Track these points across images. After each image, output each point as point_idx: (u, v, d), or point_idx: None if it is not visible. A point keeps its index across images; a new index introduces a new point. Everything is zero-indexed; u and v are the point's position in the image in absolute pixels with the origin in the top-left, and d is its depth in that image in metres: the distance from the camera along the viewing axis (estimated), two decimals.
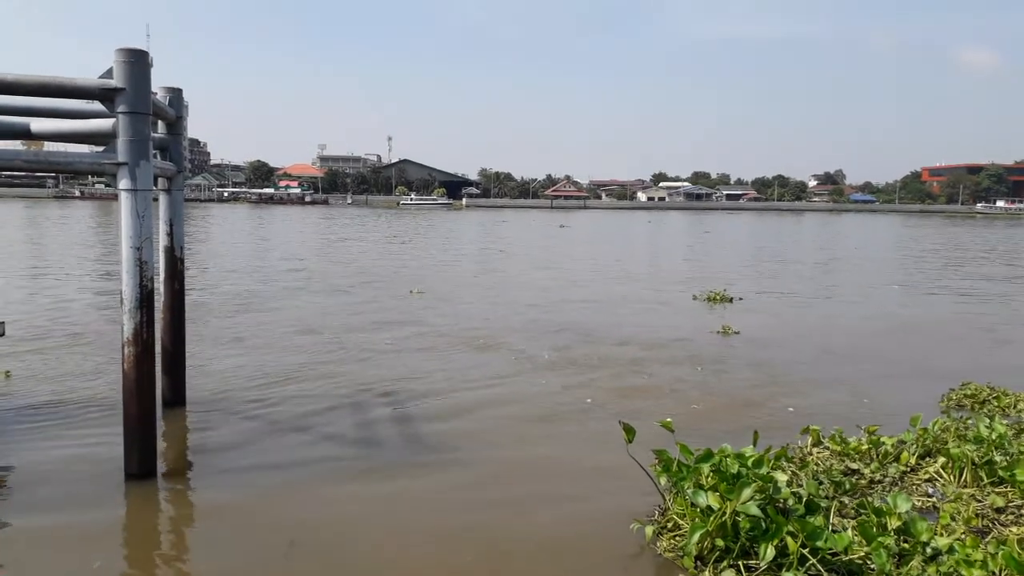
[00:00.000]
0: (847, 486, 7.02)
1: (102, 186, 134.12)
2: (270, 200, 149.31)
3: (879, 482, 7.41)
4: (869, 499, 6.57)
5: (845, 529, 5.78)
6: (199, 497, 7.44)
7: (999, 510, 6.58)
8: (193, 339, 13.07)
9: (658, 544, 6.18)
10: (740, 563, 5.46)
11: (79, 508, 6.98)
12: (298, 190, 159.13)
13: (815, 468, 7.50)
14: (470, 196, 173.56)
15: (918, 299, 23.82)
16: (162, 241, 9.65)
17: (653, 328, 16.99)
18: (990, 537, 6.01)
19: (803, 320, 19.10)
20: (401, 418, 9.97)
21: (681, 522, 6.19)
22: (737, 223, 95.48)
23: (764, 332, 16.77)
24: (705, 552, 5.67)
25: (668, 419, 7.04)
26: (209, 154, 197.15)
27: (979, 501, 6.77)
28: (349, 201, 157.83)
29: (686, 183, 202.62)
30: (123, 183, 7.24)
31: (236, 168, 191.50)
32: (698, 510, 5.82)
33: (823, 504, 6.19)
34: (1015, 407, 10.40)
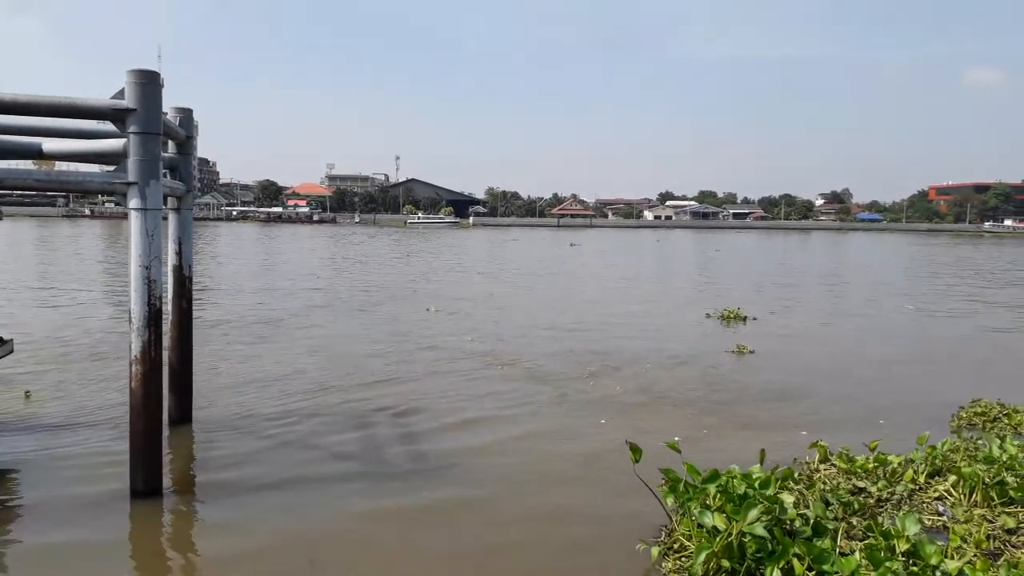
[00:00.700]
0: (855, 506, 6.96)
1: (112, 205, 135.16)
2: (278, 219, 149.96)
3: (887, 500, 7.35)
4: (878, 520, 6.51)
5: (853, 552, 5.73)
6: (203, 515, 7.42)
7: (1010, 531, 6.51)
8: (202, 357, 13.14)
9: (663, 565, 6.15)
10: None
11: (82, 526, 6.99)
12: (306, 209, 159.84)
13: (822, 487, 7.45)
14: (477, 215, 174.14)
15: (932, 319, 23.78)
16: (171, 260, 9.70)
17: (667, 347, 16.98)
18: (1002, 560, 5.93)
19: (818, 340, 19.05)
20: (410, 437, 9.96)
21: (687, 543, 6.15)
22: (745, 242, 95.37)
23: (779, 352, 16.74)
24: (711, 573, 5.62)
25: (675, 439, 7.01)
26: (218, 173, 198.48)
27: (990, 522, 6.70)
28: (357, 220, 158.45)
29: (692, 202, 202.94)
30: (133, 202, 7.30)
31: (245, 187, 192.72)
32: (704, 531, 5.78)
33: (830, 526, 6.14)
34: None
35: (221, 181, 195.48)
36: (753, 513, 5.49)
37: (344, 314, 21.81)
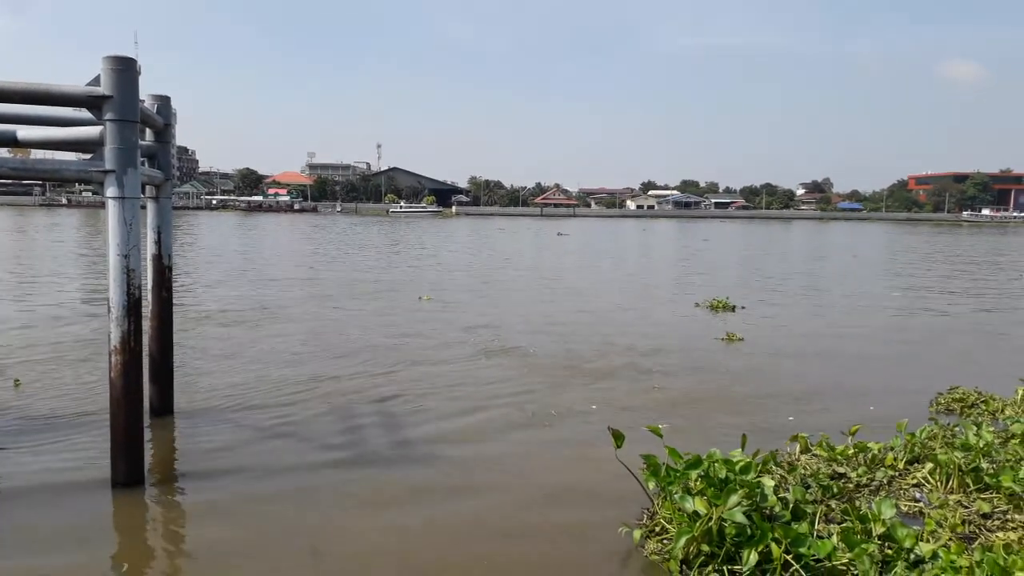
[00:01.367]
0: (835, 490, 7.06)
1: (89, 194, 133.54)
2: (259, 208, 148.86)
3: (866, 486, 7.46)
4: (856, 504, 6.60)
5: (830, 535, 5.81)
6: (185, 506, 7.39)
7: (985, 516, 6.62)
8: (184, 348, 13.06)
9: (646, 547, 6.24)
10: (725, 568, 5.49)
11: (62, 517, 6.94)
12: (287, 198, 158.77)
13: (803, 473, 7.54)
14: (460, 204, 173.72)
15: (918, 305, 24.10)
16: (150, 249, 9.61)
17: (657, 335, 17.07)
18: (976, 543, 6.04)
19: (806, 327, 19.20)
20: (397, 425, 9.96)
21: (668, 526, 6.22)
22: (731, 231, 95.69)
23: (767, 340, 16.89)
24: (691, 556, 5.70)
25: (659, 425, 7.07)
26: (197, 162, 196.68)
27: (965, 507, 6.80)
28: (338, 209, 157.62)
29: (675, 191, 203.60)
30: (110, 191, 7.22)
31: (225, 176, 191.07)
32: (685, 515, 5.85)
33: (809, 510, 6.23)
34: (1002, 412, 10.49)
35: (200, 170, 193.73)
36: (733, 499, 5.55)
37: (333, 303, 21.71)
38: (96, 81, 7.15)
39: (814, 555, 5.37)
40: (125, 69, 7.17)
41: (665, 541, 6.12)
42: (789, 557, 5.33)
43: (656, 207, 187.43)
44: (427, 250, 49.01)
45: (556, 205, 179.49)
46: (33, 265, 30.95)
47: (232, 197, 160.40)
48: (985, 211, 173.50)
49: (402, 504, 7.43)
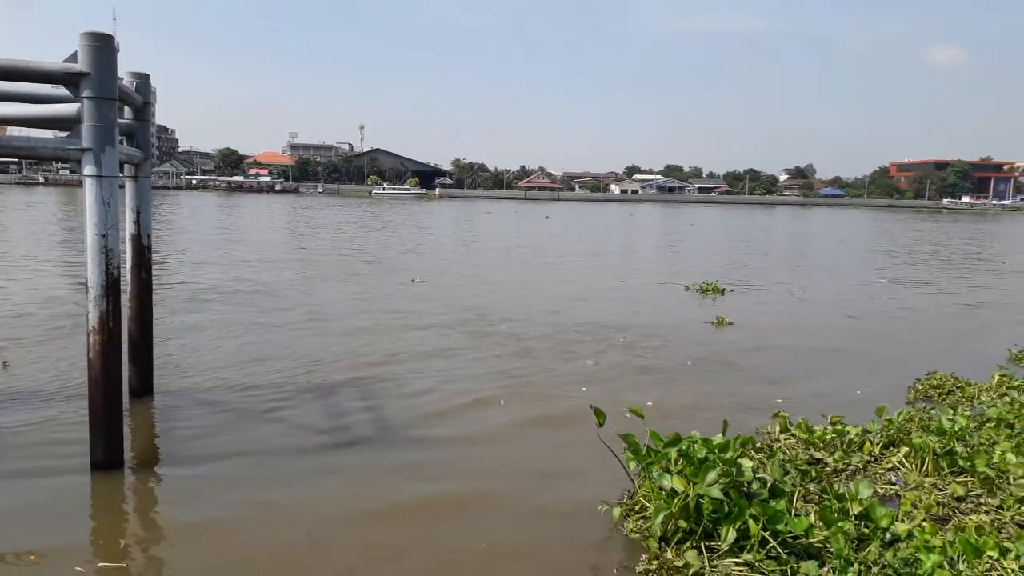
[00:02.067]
0: (812, 474, 7.15)
1: (67, 172, 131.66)
2: (239, 188, 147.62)
3: (843, 470, 7.56)
4: (834, 486, 6.69)
5: (808, 514, 5.89)
6: (165, 487, 7.36)
7: (959, 499, 6.74)
8: (166, 329, 12.96)
9: (625, 525, 6.32)
10: (702, 544, 5.56)
11: (40, 498, 6.90)
12: (268, 178, 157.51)
13: (782, 456, 7.62)
14: (443, 186, 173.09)
15: (905, 290, 24.45)
16: (128, 229, 9.50)
17: (648, 318, 17.17)
18: (950, 525, 6.15)
19: (795, 312, 19.40)
20: (378, 404, 9.97)
21: (648, 504, 6.29)
22: (715, 216, 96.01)
23: (756, 323, 17.03)
24: (669, 533, 5.77)
25: (639, 406, 7.12)
26: (177, 141, 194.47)
27: (940, 490, 6.92)
28: (320, 190, 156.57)
29: (659, 176, 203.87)
30: (88, 169, 7.12)
31: (205, 156, 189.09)
32: (664, 493, 5.91)
33: (787, 490, 6.31)
34: (978, 397, 10.65)
35: (180, 149, 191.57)
36: (711, 476, 5.62)
37: (322, 284, 21.59)
38: (73, 58, 7.03)
39: (791, 532, 5.45)
40: (103, 46, 7.05)
41: (644, 519, 6.19)
42: (766, 534, 5.41)
43: (640, 191, 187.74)
44: (416, 232, 48.83)
45: (540, 188, 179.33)
46: (21, 244, 30.49)
47: (212, 177, 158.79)
48: (965, 198, 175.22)
49: (384, 486, 7.43)
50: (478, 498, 7.24)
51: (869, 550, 5.36)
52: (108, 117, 7.18)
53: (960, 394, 10.93)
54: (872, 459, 7.83)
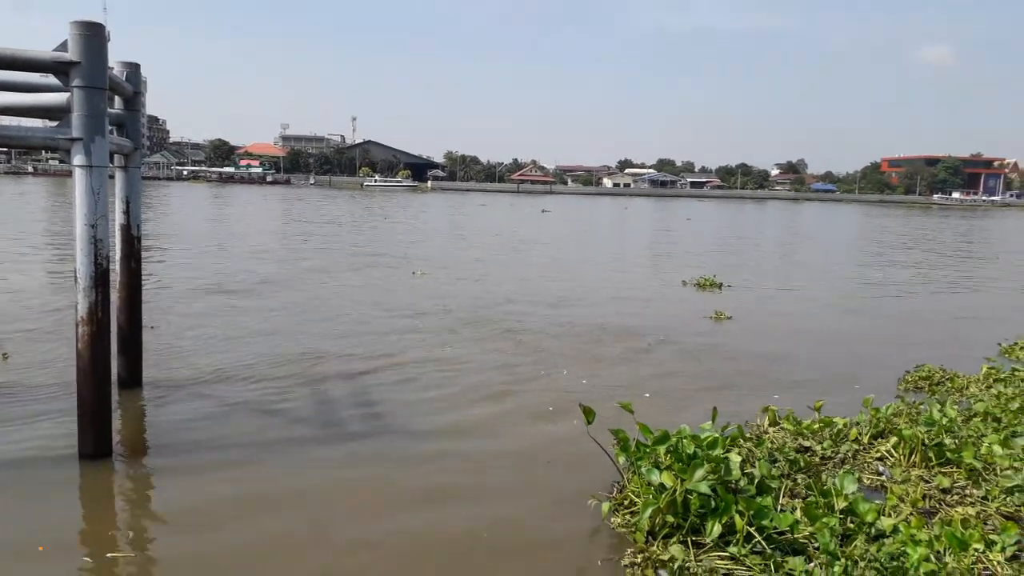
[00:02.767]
0: (801, 463, 7.20)
1: (56, 162, 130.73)
2: (231, 179, 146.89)
3: (831, 459, 7.63)
4: (821, 477, 6.74)
5: (794, 509, 5.93)
6: (153, 478, 7.36)
7: (945, 491, 6.79)
8: (155, 319, 12.90)
9: (613, 520, 6.35)
10: (689, 539, 5.60)
11: (28, 487, 6.89)
12: (259, 170, 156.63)
13: (770, 447, 7.67)
14: (436, 179, 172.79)
15: (901, 285, 24.60)
16: (118, 219, 9.45)
17: (647, 313, 17.21)
18: (936, 518, 6.19)
19: (792, 306, 19.50)
20: (371, 397, 9.97)
21: (636, 499, 6.32)
22: (709, 211, 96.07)
23: (754, 317, 17.11)
24: (656, 528, 5.81)
25: (629, 402, 7.14)
26: (168, 132, 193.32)
27: (927, 482, 6.97)
28: (311, 182, 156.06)
29: (651, 170, 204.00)
30: (77, 159, 7.08)
31: (196, 146, 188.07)
32: (652, 488, 5.95)
33: (774, 484, 6.35)
34: (967, 388, 10.75)
35: (171, 140, 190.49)
36: (699, 473, 5.66)
37: (320, 277, 21.46)
38: (63, 46, 6.98)
39: (776, 527, 5.50)
40: (93, 35, 7.01)
41: (633, 514, 6.22)
42: (752, 529, 5.45)
43: (632, 185, 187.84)
44: (412, 225, 48.71)
45: (533, 182, 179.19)
46: (19, 235, 30.26)
47: (204, 168, 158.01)
48: (955, 194, 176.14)
49: (376, 476, 7.46)
50: (470, 489, 7.27)
51: (855, 545, 5.40)
52: (98, 107, 7.13)
53: (950, 385, 11.05)
54: (861, 448, 7.89)
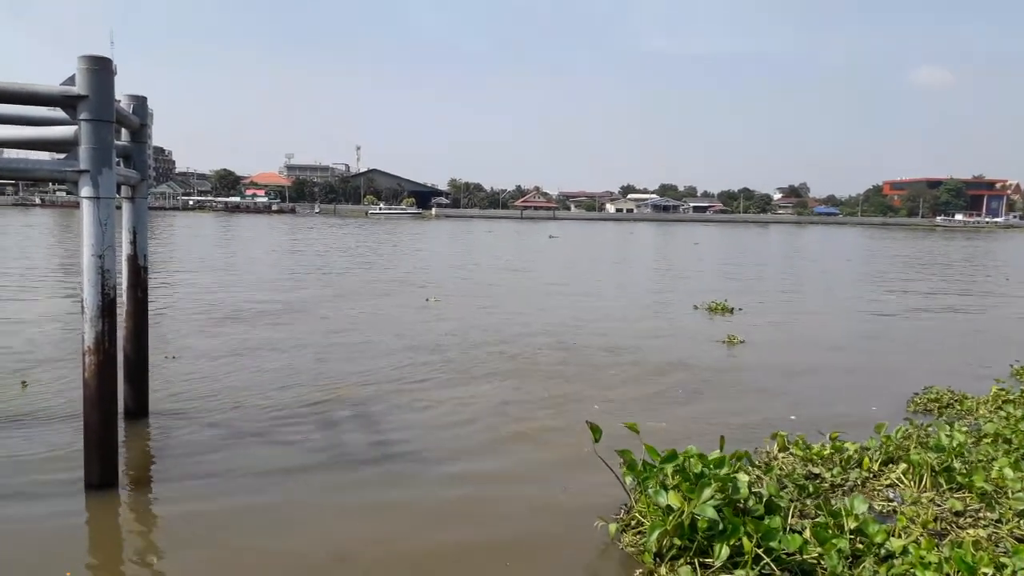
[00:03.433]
0: (810, 489, 7.14)
1: (63, 194, 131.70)
2: (236, 209, 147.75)
3: (840, 486, 7.55)
4: (830, 503, 6.69)
5: (803, 530, 5.89)
6: (159, 508, 7.34)
7: (957, 514, 6.72)
8: (162, 349, 12.92)
9: (621, 540, 6.33)
10: (696, 561, 5.57)
11: (35, 518, 6.88)
12: (265, 199, 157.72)
13: (779, 472, 7.62)
14: (439, 206, 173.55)
15: (911, 308, 24.55)
16: (125, 250, 9.52)
17: (659, 339, 17.18)
18: (947, 540, 6.13)
19: (804, 329, 19.48)
20: (380, 423, 9.99)
21: (644, 520, 6.30)
22: (713, 235, 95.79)
23: (767, 342, 17.05)
24: (664, 549, 5.78)
25: (635, 423, 7.15)
26: (174, 162, 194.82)
27: (938, 505, 6.91)
28: (316, 210, 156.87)
29: (654, 195, 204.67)
30: (85, 191, 7.16)
31: (202, 176, 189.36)
32: (659, 509, 5.93)
33: (783, 506, 6.31)
34: (976, 411, 10.68)
35: (177, 170, 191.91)
36: (707, 492, 5.64)
37: (329, 305, 21.50)
38: (71, 80, 7.09)
39: (785, 549, 5.46)
40: (100, 69, 7.11)
41: (641, 534, 6.20)
42: (760, 551, 5.41)
43: (635, 210, 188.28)
44: (420, 252, 48.86)
45: (536, 208, 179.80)
46: (32, 266, 30.46)
47: (209, 198, 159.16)
48: (958, 216, 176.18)
49: (382, 504, 7.44)
50: (479, 510, 7.29)
51: (864, 566, 5.35)
52: (105, 139, 7.22)
53: (959, 407, 10.99)
54: (871, 475, 7.82)
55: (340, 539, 6.65)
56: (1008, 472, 7.32)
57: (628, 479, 6.61)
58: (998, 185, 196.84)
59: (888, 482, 7.62)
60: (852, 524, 5.85)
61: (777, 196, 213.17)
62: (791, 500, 6.74)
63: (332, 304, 21.74)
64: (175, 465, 8.36)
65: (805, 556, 5.49)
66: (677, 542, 5.70)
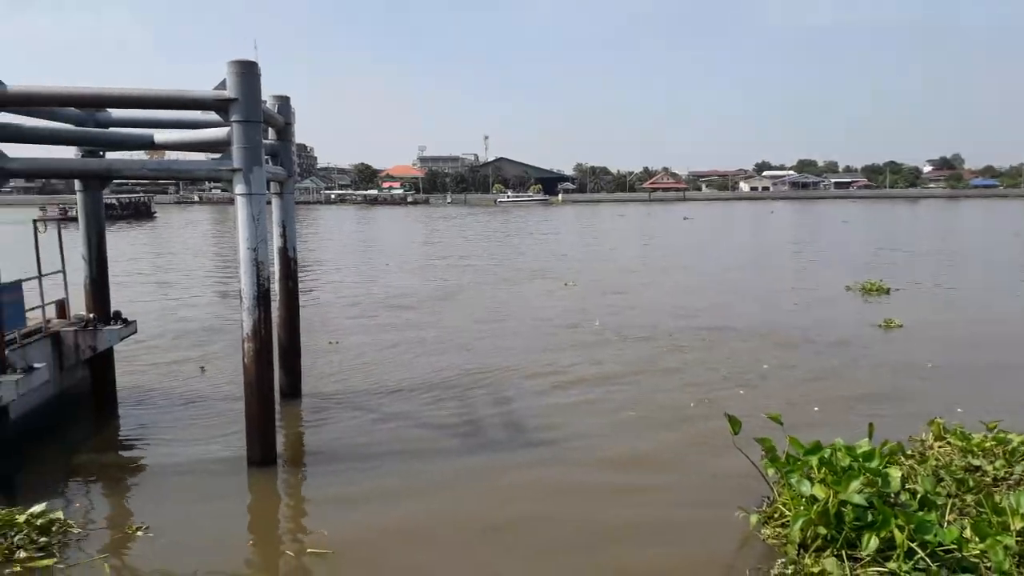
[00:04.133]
0: (969, 483, 6.67)
1: (218, 191, 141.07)
2: (374, 201, 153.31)
3: (1004, 480, 7.01)
4: (993, 498, 6.21)
5: (963, 528, 5.50)
6: (315, 484, 7.82)
7: None
8: (312, 335, 13.67)
9: (762, 531, 6.19)
10: (844, 552, 5.33)
11: (203, 492, 7.48)
12: (400, 191, 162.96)
13: (935, 464, 7.16)
14: (566, 191, 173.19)
15: None
16: (275, 243, 10.12)
17: (811, 320, 16.64)
18: None
19: (969, 313, 18.10)
20: (517, 408, 10.21)
21: (786, 512, 6.11)
22: (859, 212, 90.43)
23: (928, 326, 16.00)
24: (808, 540, 5.58)
25: (777, 413, 6.93)
26: (316, 158, 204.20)
27: None
28: (448, 200, 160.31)
29: (791, 171, 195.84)
30: (239, 188, 7.65)
31: (342, 171, 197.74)
32: (803, 499, 5.72)
33: (939, 501, 5.92)
34: None
35: (319, 166, 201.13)
36: (855, 484, 5.39)
37: (469, 293, 22.04)
38: (222, 85, 7.57)
39: (941, 543, 5.12)
40: (248, 72, 7.57)
41: (784, 526, 6.02)
42: (914, 544, 5.10)
43: (771, 188, 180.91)
44: (554, 237, 49.07)
45: (665, 189, 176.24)
46: (206, 258, 33.08)
47: (349, 191, 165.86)
48: None
49: (525, 483, 7.63)
50: (611, 501, 7.28)
51: None
52: (255, 139, 7.69)
53: None
54: None
55: (484, 514, 6.90)
56: None
57: (770, 471, 6.41)
58: None
59: None
60: (1019, 524, 5.41)
61: (927, 169, 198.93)
62: (948, 496, 6.32)
63: (474, 291, 22.23)
64: (327, 444, 8.89)
65: (965, 552, 5.13)
66: (822, 531, 5.48)
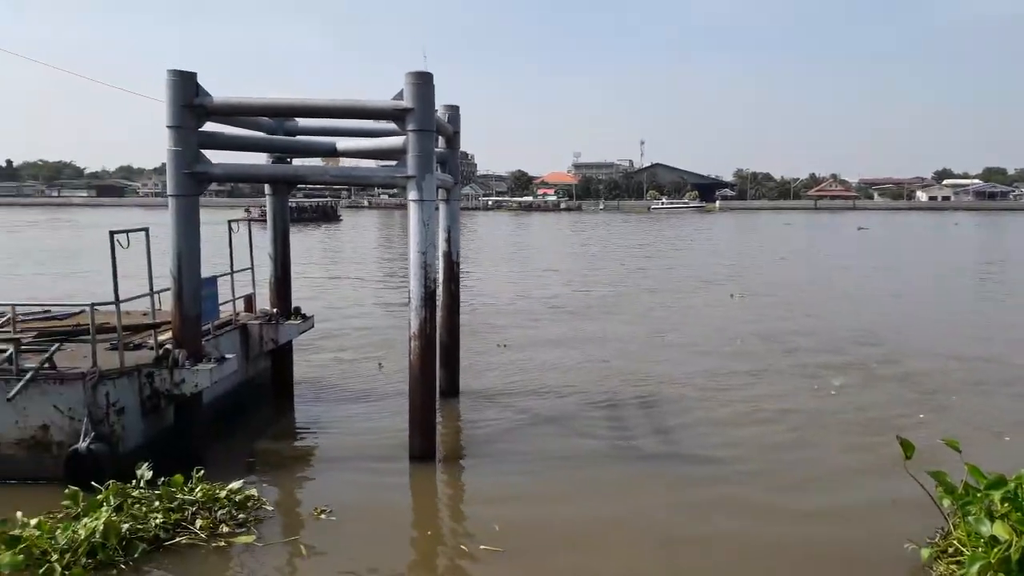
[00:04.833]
0: None
1: (385, 197, 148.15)
2: (529, 208, 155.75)
3: None
4: None
5: None
6: (472, 481, 8.14)
7: None
8: (470, 337, 14.12)
9: (934, 568, 5.82)
10: None
11: (368, 485, 7.89)
12: (554, 197, 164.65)
13: None
14: (724, 199, 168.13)
15: None
16: (441, 247, 10.56)
17: (1009, 341, 15.53)
18: None
19: None
20: (671, 420, 10.16)
21: (962, 548, 5.68)
22: None
23: None
24: None
25: (955, 439, 6.44)
26: (476, 165, 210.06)
27: None
28: (600, 207, 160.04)
29: (976, 180, 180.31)
30: (411, 195, 8.07)
31: (499, 178, 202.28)
32: (982, 539, 5.30)
33: None
34: None
35: (478, 173, 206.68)
36: None
37: (625, 300, 22.07)
38: (400, 95, 8.02)
39: None
40: (424, 83, 7.97)
41: (959, 564, 5.61)
42: None
43: (952, 198, 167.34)
44: (710, 244, 48.13)
45: (833, 197, 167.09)
46: (348, 262, 35.13)
47: (505, 198, 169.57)
48: None
49: (674, 498, 7.59)
50: (768, 526, 7.07)
51: None
52: (428, 147, 8.09)
53: None
54: None
55: (661, 526, 6.93)
56: None
57: (945, 502, 5.98)
58: None
59: None
60: None
61: None
62: None
63: (635, 299, 22.17)
64: (484, 442, 9.20)
65: None
66: None
